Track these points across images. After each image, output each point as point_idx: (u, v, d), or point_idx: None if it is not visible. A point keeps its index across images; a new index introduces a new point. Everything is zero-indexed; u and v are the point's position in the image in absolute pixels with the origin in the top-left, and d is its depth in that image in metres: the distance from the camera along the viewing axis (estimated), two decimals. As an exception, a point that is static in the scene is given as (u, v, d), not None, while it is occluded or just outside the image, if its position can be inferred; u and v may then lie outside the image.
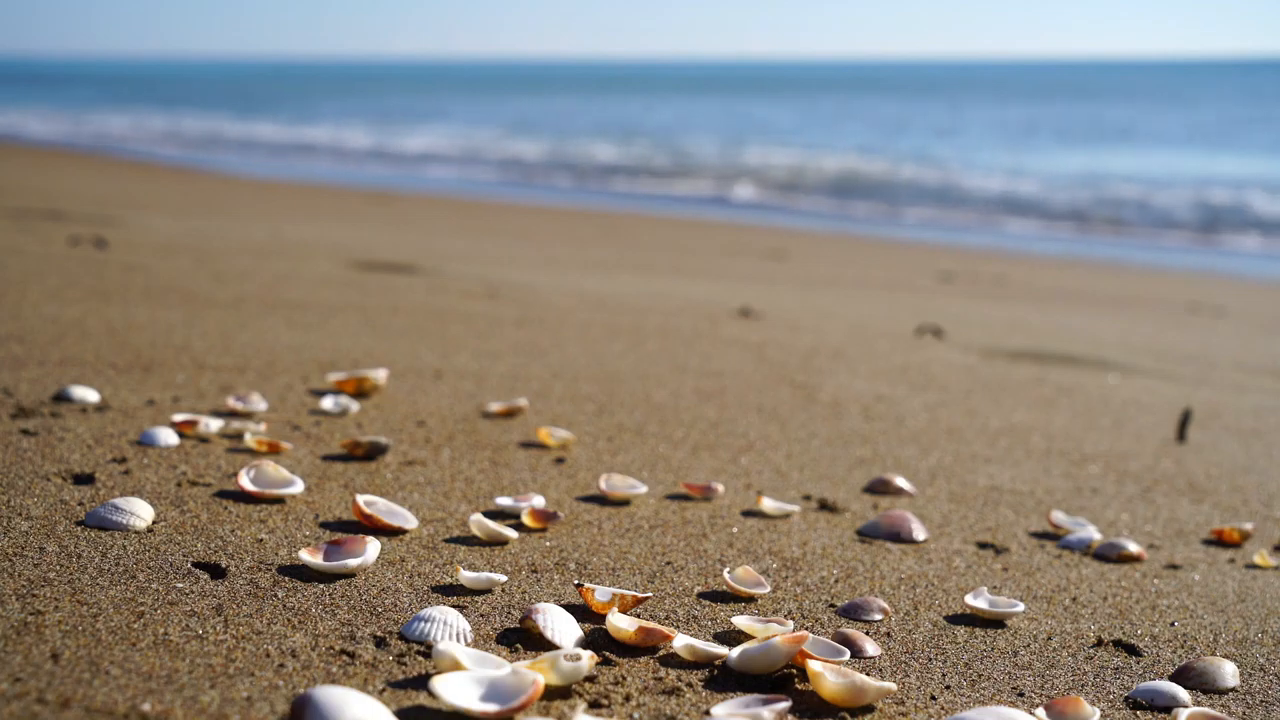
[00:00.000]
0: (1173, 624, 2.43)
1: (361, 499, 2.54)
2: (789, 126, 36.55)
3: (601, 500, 2.91)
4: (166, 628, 1.94)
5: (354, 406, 3.49)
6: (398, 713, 1.74)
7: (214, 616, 2.00)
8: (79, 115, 35.94)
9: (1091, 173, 22.03)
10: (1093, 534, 2.91)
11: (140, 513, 2.40)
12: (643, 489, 2.95)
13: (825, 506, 3.01)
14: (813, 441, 3.65)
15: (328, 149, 26.43)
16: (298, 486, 2.67)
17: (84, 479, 2.65)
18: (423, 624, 2.01)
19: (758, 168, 23.13)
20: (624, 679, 1.93)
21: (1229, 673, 2.16)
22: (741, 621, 2.16)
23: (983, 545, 2.83)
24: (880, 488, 3.19)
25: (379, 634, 2.01)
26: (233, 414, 3.33)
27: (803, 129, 35.18)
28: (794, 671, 2.01)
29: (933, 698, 1.99)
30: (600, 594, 2.18)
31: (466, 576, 2.25)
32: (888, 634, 2.25)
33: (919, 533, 2.83)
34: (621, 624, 2.05)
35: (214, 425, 3.09)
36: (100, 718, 1.64)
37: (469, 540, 2.54)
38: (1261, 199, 18.16)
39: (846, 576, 2.53)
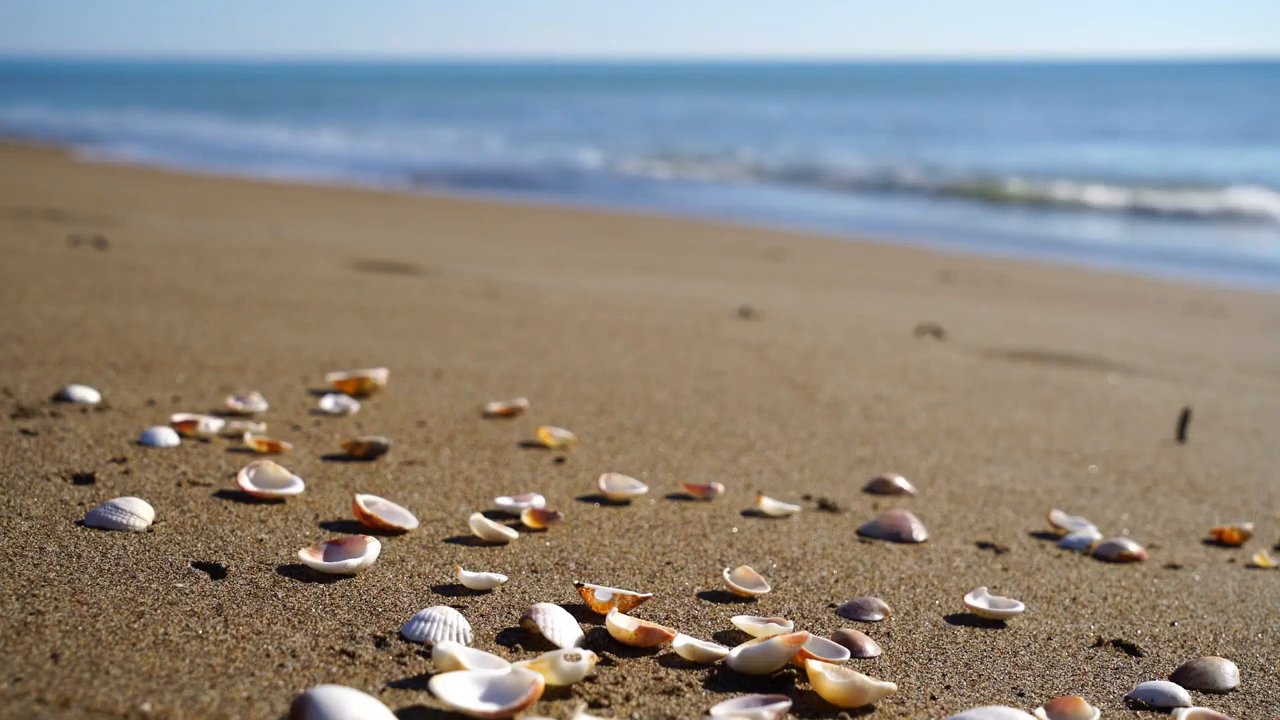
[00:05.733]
0: (1173, 624, 2.43)
1: (361, 499, 2.54)
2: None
3: (601, 500, 2.91)
4: (166, 628, 1.94)
5: (354, 406, 3.49)
6: (398, 713, 1.74)
7: (214, 616, 2.00)
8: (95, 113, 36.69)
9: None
10: (1093, 534, 2.91)
11: (140, 513, 2.40)
12: (643, 489, 2.95)
13: (825, 506, 3.01)
14: (813, 441, 3.65)
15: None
16: (298, 486, 2.67)
17: (84, 479, 2.65)
18: (423, 624, 2.01)
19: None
20: (624, 679, 1.93)
21: (1229, 673, 2.16)
22: (741, 621, 2.16)
23: (983, 545, 2.83)
24: (880, 488, 3.19)
25: (379, 634, 2.01)
26: (233, 414, 3.33)
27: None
28: (794, 671, 2.01)
29: (933, 698, 1.99)
30: (600, 594, 2.18)
31: (466, 576, 2.25)
32: (888, 634, 2.25)
33: (919, 533, 2.83)
34: (621, 624, 2.05)
35: (214, 425, 3.09)
36: (100, 718, 1.64)
37: (469, 540, 2.54)
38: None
39: (846, 576, 2.53)
